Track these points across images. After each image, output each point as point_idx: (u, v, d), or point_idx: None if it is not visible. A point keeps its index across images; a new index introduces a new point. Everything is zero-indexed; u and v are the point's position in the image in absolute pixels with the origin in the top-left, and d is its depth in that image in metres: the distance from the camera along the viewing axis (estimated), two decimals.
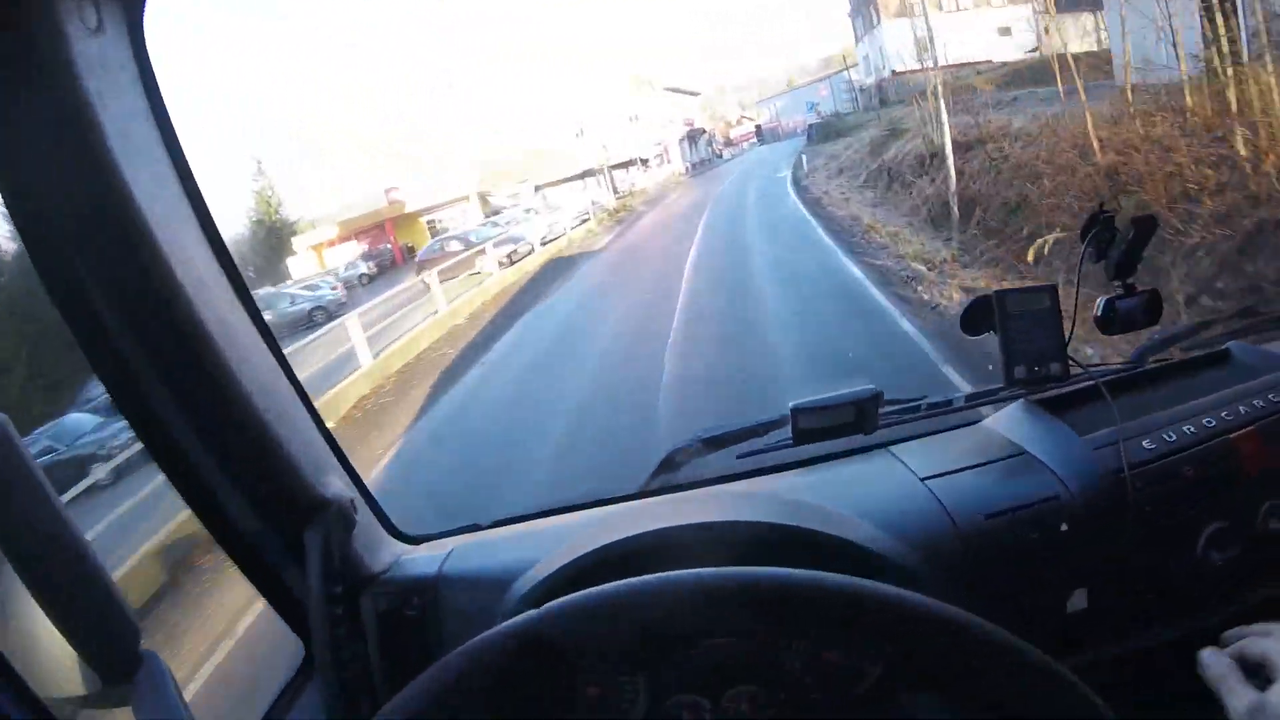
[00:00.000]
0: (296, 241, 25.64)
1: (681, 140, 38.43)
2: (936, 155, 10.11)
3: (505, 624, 0.67)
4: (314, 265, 23.64)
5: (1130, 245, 1.18)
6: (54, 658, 0.80)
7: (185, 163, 0.89)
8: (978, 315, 1.18)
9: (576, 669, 0.80)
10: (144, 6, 0.82)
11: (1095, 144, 6.55)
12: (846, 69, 44.22)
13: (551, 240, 17.39)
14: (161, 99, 0.86)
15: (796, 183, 17.85)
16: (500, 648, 0.67)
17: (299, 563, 1.00)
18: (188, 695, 0.88)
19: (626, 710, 0.93)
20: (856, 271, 7.58)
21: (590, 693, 0.97)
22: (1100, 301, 1.18)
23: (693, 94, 39.90)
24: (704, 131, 42.18)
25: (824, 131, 36.13)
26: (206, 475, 0.96)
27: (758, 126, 58.12)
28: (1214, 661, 0.73)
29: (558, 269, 12.71)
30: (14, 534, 0.72)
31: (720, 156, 45.62)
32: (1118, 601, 0.98)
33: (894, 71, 36.41)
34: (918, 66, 31.39)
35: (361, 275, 23.27)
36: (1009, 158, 8.05)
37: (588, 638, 0.68)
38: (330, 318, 12.11)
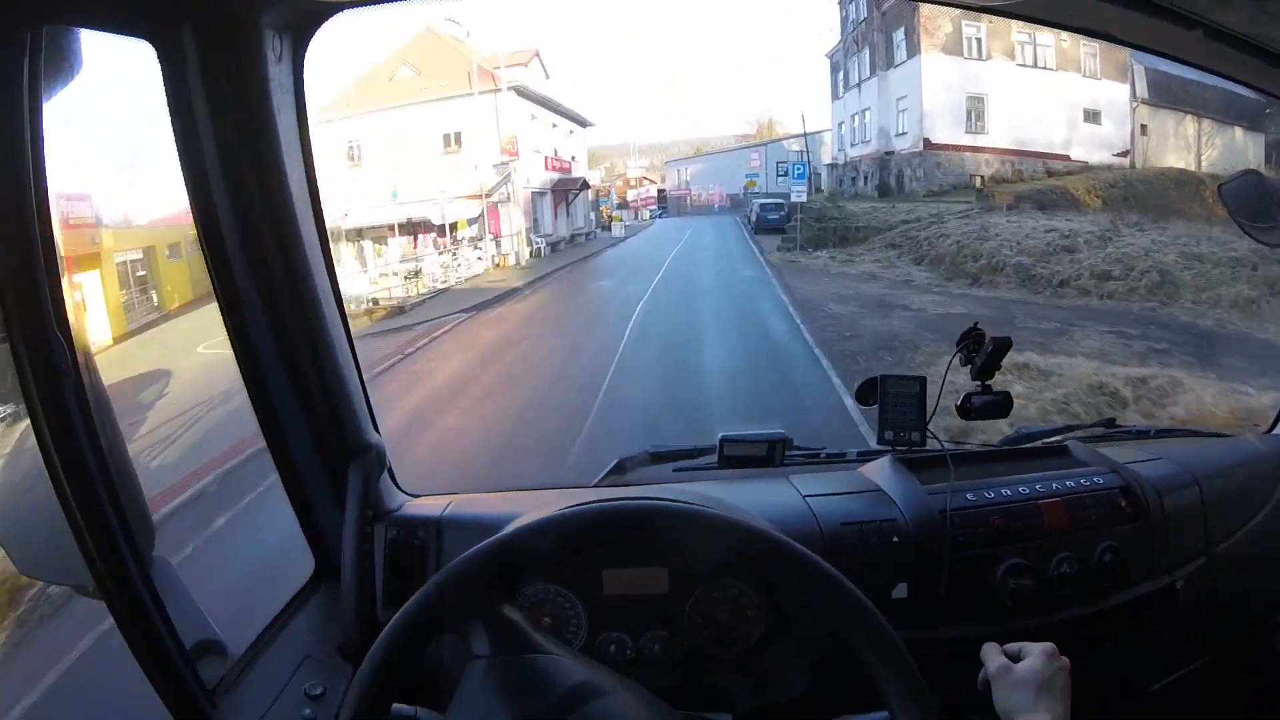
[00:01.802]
0: None
1: (541, 195, 23.69)
2: None
3: (495, 537, 0.93)
4: None
5: (989, 356, 1.56)
6: (72, 553, 0.88)
7: (314, 169, 1.22)
8: (868, 390, 1.61)
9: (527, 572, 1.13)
10: (306, 49, 1.15)
11: None
12: (804, 135, 31.27)
13: None
14: (306, 117, 1.19)
15: None
16: (491, 550, 0.91)
17: (329, 491, 1.33)
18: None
19: (570, 639, 1.31)
20: None
21: (545, 622, 1.30)
22: (962, 395, 1.59)
23: (579, 122, 28.64)
24: (585, 185, 29.24)
25: (818, 225, 21.43)
26: (283, 406, 1.26)
27: (661, 191, 44.55)
28: (987, 646, 1.14)
29: None
30: (86, 429, 0.88)
31: (608, 229, 31.72)
32: (931, 598, 1.38)
33: (928, 142, 23.31)
34: (958, 140, 22.61)
35: None
36: None
37: (544, 543, 0.95)
38: None
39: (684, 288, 15.37)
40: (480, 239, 19.60)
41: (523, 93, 21.43)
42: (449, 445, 7.49)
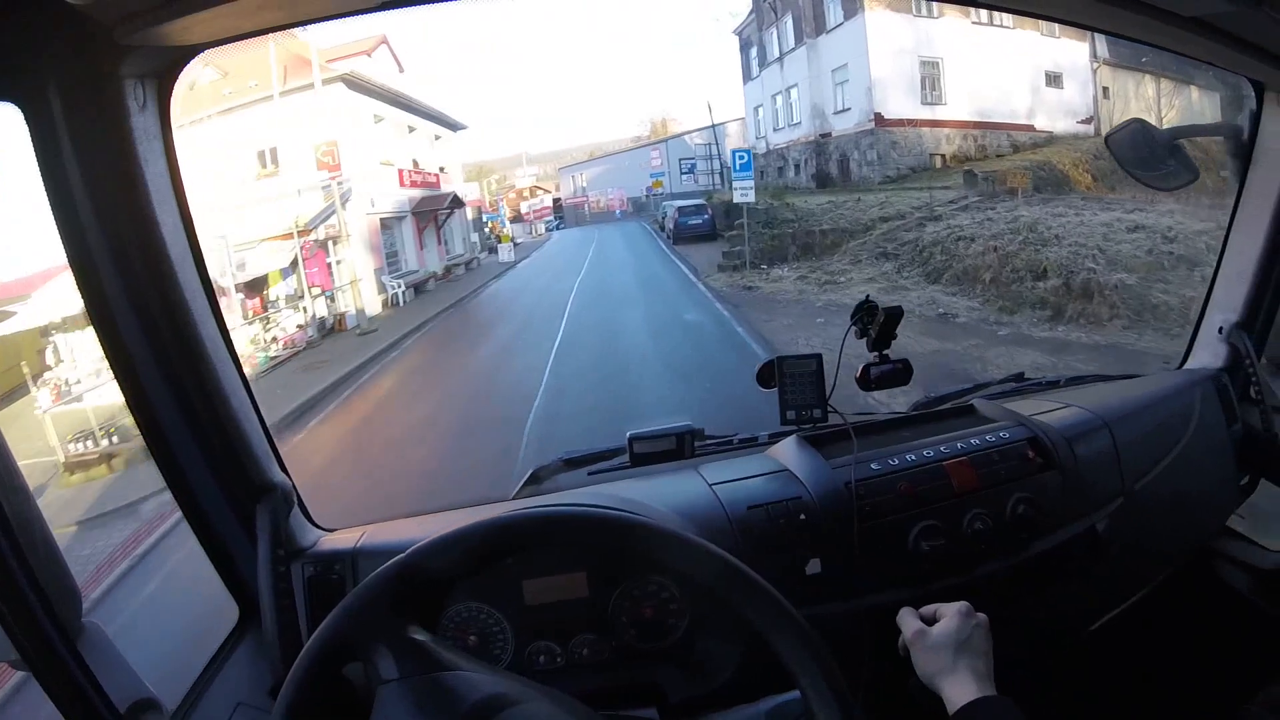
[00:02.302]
0: None
1: (397, 220, 18.24)
2: None
3: (390, 561, 0.96)
4: None
5: (883, 326, 1.64)
6: (9, 622, 0.94)
7: (189, 211, 1.25)
8: (766, 373, 1.68)
9: (442, 589, 1.14)
10: (171, 93, 1.19)
11: None
12: (713, 125, 28.18)
13: None
14: (177, 161, 1.22)
15: None
16: (388, 575, 0.93)
17: (243, 536, 1.37)
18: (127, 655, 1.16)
19: (499, 654, 1.38)
20: None
21: (471, 640, 1.37)
22: (860, 366, 1.68)
23: (448, 125, 23.51)
24: (458, 203, 23.75)
25: (770, 232, 17.21)
26: (183, 455, 1.30)
27: (556, 200, 39.89)
28: (903, 611, 1.27)
29: None
30: None
31: (494, 251, 26.85)
32: (845, 570, 1.48)
33: (880, 118, 20.16)
34: (913, 113, 19.12)
35: None
36: None
37: (441, 562, 0.96)
38: None
39: (604, 358, 10.68)
40: (300, 297, 14.79)
41: (357, 85, 17.69)
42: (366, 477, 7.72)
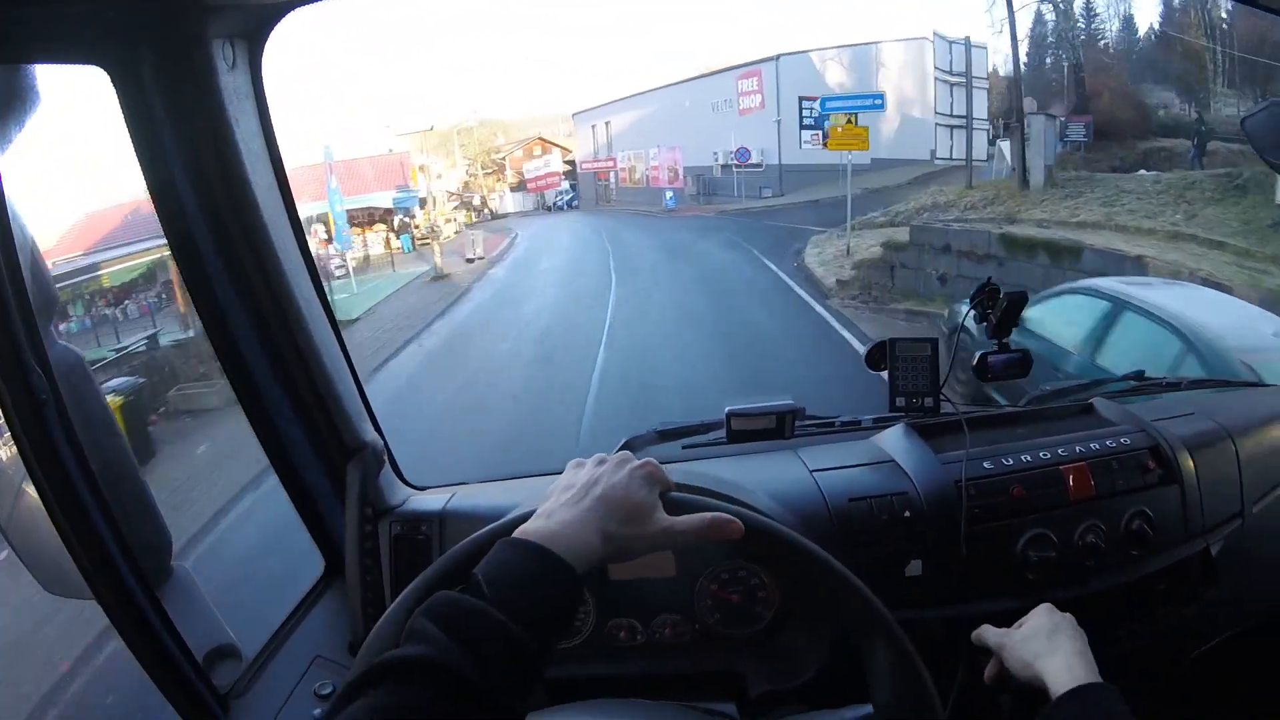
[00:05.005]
0: None
1: None
2: None
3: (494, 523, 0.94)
4: None
5: (1005, 312, 1.58)
6: (87, 567, 0.99)
7: (284, 170, 1.27)
8: (876, 355, 1.63)
9: None
10: (262, 52, 1.20)
11: None
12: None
13: None
14: (270, 120, 1.23)
15: None
16: (492, 533, 0.90)
17: (333, 491, 1.43)
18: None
19: (580, 627, 1.40)
20: None
21: None
22: (977, 355, 1.63)
23: None
24: None
25: None
26: (276, 412, 1.34)
27: (571, 163, 28.84)
28: (979, 630, 1.17)
29: None
30: (73, 451, 0.92)
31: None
32: (948, 574, 1.42)
33: None
34: None
35: None
36: None
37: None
38: None
39: None
40: None
41: None
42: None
